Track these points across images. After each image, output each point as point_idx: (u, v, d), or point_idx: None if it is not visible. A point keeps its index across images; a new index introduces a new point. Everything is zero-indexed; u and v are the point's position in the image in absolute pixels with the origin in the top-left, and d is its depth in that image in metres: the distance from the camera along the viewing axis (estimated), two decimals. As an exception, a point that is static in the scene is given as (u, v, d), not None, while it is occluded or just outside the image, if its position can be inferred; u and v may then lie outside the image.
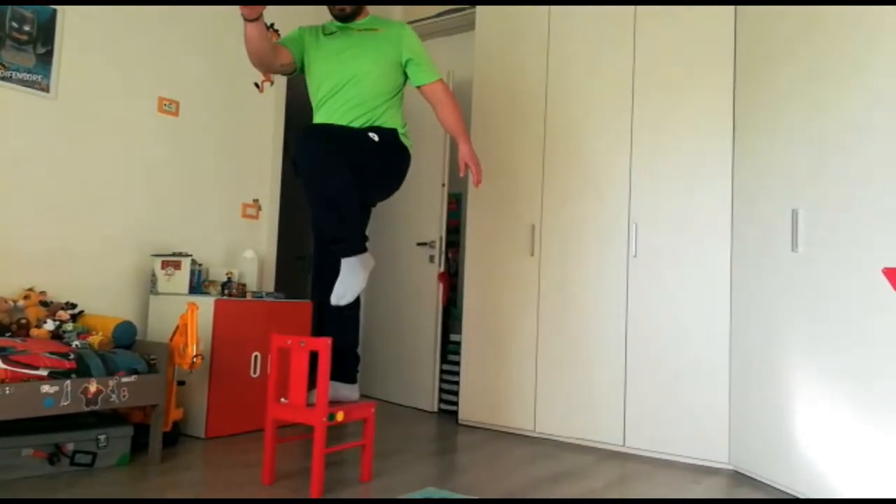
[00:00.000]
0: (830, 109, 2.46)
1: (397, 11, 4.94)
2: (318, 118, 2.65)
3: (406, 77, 2.74)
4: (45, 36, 2.99)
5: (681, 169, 3.15)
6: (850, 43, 2.40)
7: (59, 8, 3.03)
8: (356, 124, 2.57)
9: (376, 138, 2.56)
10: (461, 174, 2.68)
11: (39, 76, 2.98)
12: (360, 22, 2.72)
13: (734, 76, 3.03)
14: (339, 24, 2.71)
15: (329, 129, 2.54)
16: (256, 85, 4.00)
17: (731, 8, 3.06)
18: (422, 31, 4.68)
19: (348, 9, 2.67)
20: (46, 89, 3.00)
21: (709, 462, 2.98)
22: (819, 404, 2.43)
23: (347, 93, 2.59)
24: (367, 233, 2.64)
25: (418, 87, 2.73)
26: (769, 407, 2.67)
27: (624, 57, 3.35)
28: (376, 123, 2.60)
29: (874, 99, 2.29)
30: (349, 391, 2.65)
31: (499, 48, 3.81)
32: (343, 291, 2.44)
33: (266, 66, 2.71)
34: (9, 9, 2.87)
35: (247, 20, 2.40)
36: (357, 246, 2.48)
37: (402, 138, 2.67)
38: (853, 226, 2.34)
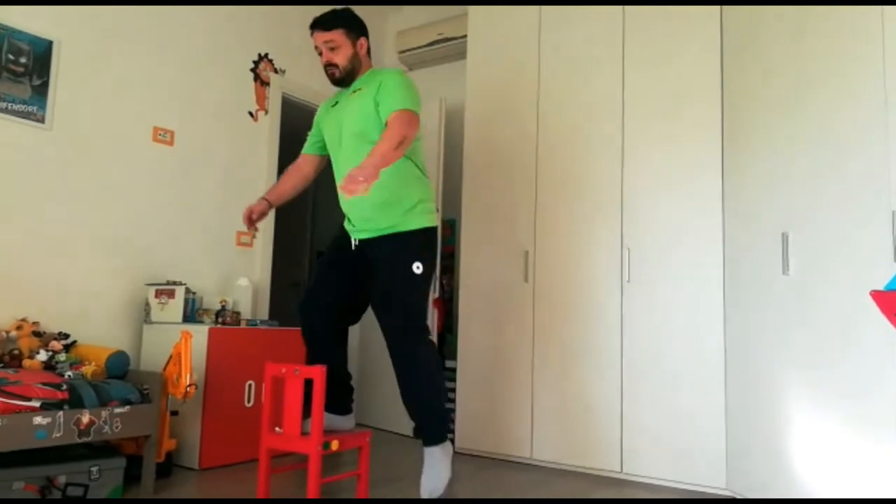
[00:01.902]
0: (818, 134, 2.50)
1: (390, 14, 5.02)
2: (339, 196, 2.56)
3: None
4: (40, 67, 3.02)
5: (672, 194, 3.18)
6: (839, 68, 2.45)
7: (54, 40, 3.06)
8: (373, 214, 2.49)
9: (418, 271, 2.48)
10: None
11: (35, 107, 3.00)
12: (355, 83, 2.61)
13: (722, 102, 3.08)
14: (341, 90, 2.66)
15: None
16: (251, 114, 4.04)
17: (717, 32, 3.12)
18: (414, 60, 4.76)
19: (337, 73, 2.58)
20: (42, 120, 3.02)
21: (706, 487, 2.96)
22: (815, 427, 2.43)
23: (347, 166, 2.50)
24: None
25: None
26: (766, 431, 2.67)
27: (614, 85, 3.40)
28: (396, 225, 2.47)
29: (862, 124, 2.34)
30: (344, 422, 2.66)
31: (490, 76, 3.86)
32: (433, 486, 2.46)
33: (310, 182, 2.87)
34: (5, 41, 2.90)
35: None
36: (442, 430, 2.54)
37: (418, 217, 2.51)
38: (842, 249, 2.36)
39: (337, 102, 2.66)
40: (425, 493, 2.46)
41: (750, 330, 2.80)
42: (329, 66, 2.58)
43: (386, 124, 2.39)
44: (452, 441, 3.64)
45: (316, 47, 2.59)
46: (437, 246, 2.65)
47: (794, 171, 2.60)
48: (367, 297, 2.69)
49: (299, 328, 2.74)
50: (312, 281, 2.71)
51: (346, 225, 2.66)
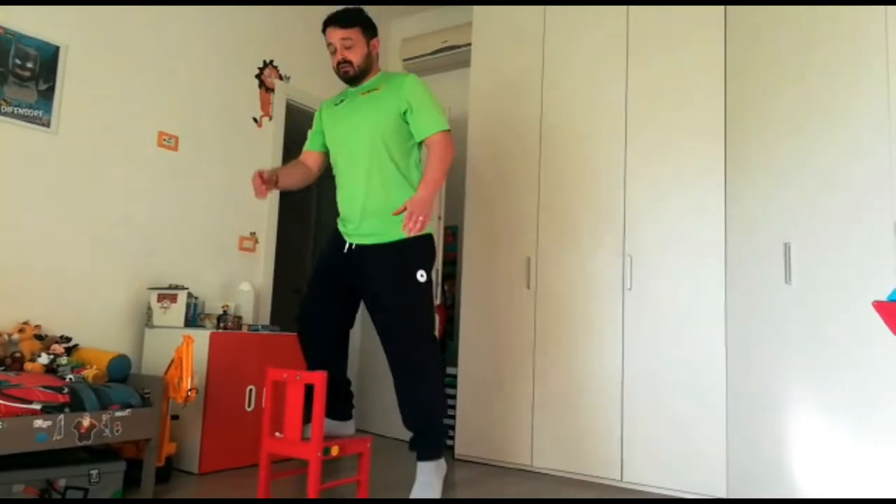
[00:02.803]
0: (820, 145, 2.50)
1: (395, 21, 5.04)
2: (340, 197, 2.58)
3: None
4: (47, 72, 3.04)
5: (675, 201, 3.18)
6: (842, 76, 2.45)
7: (61, 45, 3.08)
8: (381, 220, 2.45)
9: (422, 279, 2.43)
10: (396, 212, 2.40)
11: (41, 112, 3.02)
12: (366, 84, 2.61)
13: (725, 110, 3.08)
14: (348, 90, 2.66)
15: None
16: (255, 120, 4.05)
17: (721, 40, 3.12)
18: (418, 68, 4.78)
19: (351, 71, 2.57)
20: (48, 125, 3.04)
21: (707, 495, 2.95)
22: (817, 435, 2.42)
23: (357, 169, 2.50)
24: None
25: (421, 141, 2.52)
26: (766, 439, 2.66)
27: (617, 92, 3.41)
28: (397, 228, 2.40)
29: (865, 134, 2.34)
30: (344, 428, 2.65)
31: (493, 84, 3.88)
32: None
33: (314, 179, 2.78)
34: (12, 46, 2.92)
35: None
36: (438, 446, 2.49)
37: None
38: (844, 259, 2.36)
39: (343, 101, 2.64)
40: (419, 496, 2.42)
41: (751, 339, 2.79)
42: (343, 64, 2.56)
43: (427, 145, 2.47)
44: (452, 448, 3.63)
45: (329, 44, 2.57)
46: (435, 253, 2.62)
47: (796, 181, 2.60)
48: (358, 299, 2.64)
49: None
50: (307, 292, 2.66)
51: (341, 227, 2.61)
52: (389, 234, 2.47)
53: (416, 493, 2.43)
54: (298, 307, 2.69)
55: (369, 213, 2.48)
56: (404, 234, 2.39)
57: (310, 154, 2.77)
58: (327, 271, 2.62)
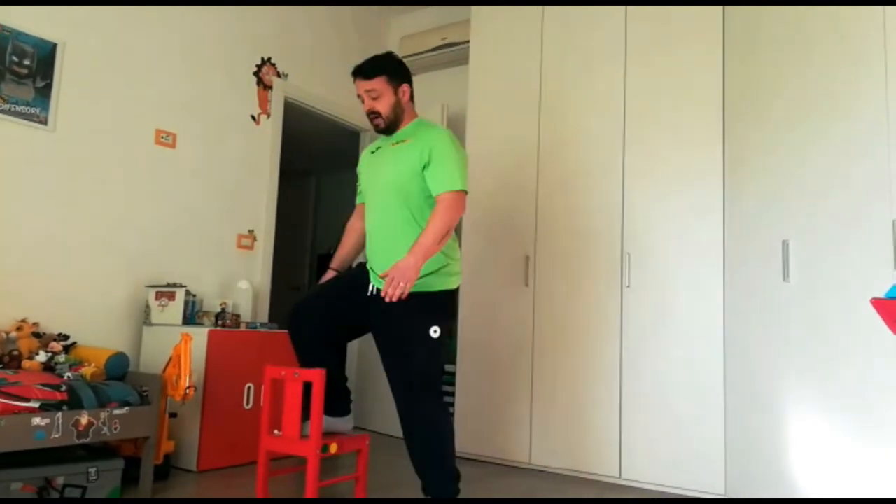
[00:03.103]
0: (819, 141, 2.51)
1: (393, 18, 5.04)
2: (366, 244, 2.55)
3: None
4: (44, 70, 3.03)
5: (673, 199, 3.18)
6: (841, 75, 2.45)
7: (59, 42, 3.07)
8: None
9: (435, 335, 2.35)
10: (382, 275, 2.29)
11: (38, 109, 3.01)
12: (399, 133, 2.52)
13: (723, 109, 3.09)
14: (383, 138, 2.58)
15: None
16: (253, 117, 4.05)
17: (720, 38, 3.12)
18: (417, 65, 4.77)
19: (381, 122, 2.49)
20: (45, 122, 3.03)
21: (705, 493, 2.95)
22: (815, 433, 2.42)
23: (379, 218, 2.46)
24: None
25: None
26: (765, 436, 2.66)
27: (616, 90, 3.41)
28: (418, 280, 2.30)
29: (863, 132, 2.34)
30: (343, 424, 2.64)
31: (492, 81, 3.87)
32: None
33: None
34: (9, 43, 2.91)
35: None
36: (452, 490, 2.41)
37: (442, 279, 2.39)
38: (842, 257, 2.37)
39: (379, 148, 2.58)
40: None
41: (749, 336, 2.79)
42: (371, 115, 2.49)
43: (436, 201, 2.36)
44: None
45: (358, 95, 2.52)
46: (455, 308, 2.48)
47: (794, 179, 2.60)
48: (360, 332, 2.60)
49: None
50: (316, 292, 2.58)
51: (369, 265, 2.54)
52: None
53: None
54: (295, 305, 2.61)
55: (388, 264, 2.37)
56: (425, 288, 2.34)
57: (360, 208, 2.73)
58: (341, 288, 2.55)
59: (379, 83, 2.44)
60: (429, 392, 2.36)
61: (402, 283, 2.19)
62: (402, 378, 2.35)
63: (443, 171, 2.36)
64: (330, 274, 2.68)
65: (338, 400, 2.65)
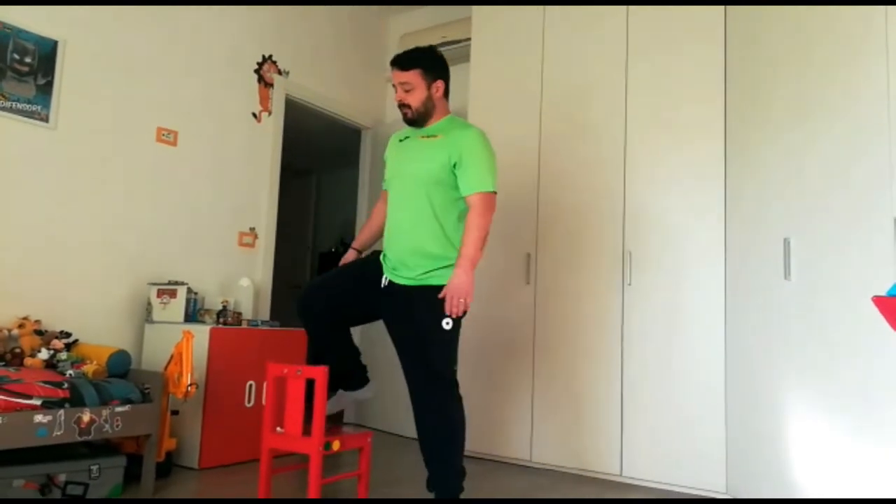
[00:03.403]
0: (820, 141, 2.50)
1: (393, 17, 5.03)
2: (385, 233, 2.55)
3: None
4: (45, 67, 3.03)
5: (675, 197, 3.18)
6: (842, 73, 2.45)
7: (60, 40, 3.07)
8: (411, 261, 2.40)
9: (448, 327, 2.37)
10: (440, 295, 2.34)
11: (39, 106, 3.01)
12: (429, 128, 2.52)
13: (725, 107, 3.08)
14: (412, 129, 2.57)
15: None
16: (254, 115, 4.04)
17: (721, 36, 3.12)
18: (417, 63, 4.76)
19: (410, 113, 2.49)
20: (46, 119, 3.03)
21: (706, 491, 2.96)
22: (816, 432, 2.43)
23: (401, 208, 2.48)
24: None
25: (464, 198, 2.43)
26: (766, 435, 2.66)
27: (617, 88, 3.41)
28: (430, 279, 2.37)
29: (864, 130, 2.34)
30: (364, 393, 2.67)
31: (493, 79, 3.87)
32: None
33: None
34: (10, 40, 2.91)
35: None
36: (457, 486, 2.47)
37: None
38: (844, 255, 2.36)
39: (407, 138, 2.58)
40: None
41: (751, 334, 2.79)
42: (402, 106, 2.49)
43: (468, 204, 2.40)
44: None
45: (393, 84, 2.52)
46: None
47: (796, 177, 2.60)
48: (369, 320, 2.63)
49: (300, 329, 2.68)
50: (328, 274, 2.59)
51: (383, 260, 2.54)
52: (421, 280, 2.40)
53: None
54: (308, 285, 2.59)
55: (406, 256, 2.41)
56: (438, 281, 2.37)
57: (385, 194, 2.72)
58: (359, 281, 2.54)
59: (413, 76, 2.44)
60: (441, 382, 2.38)
61: (461, 299, 2.28)
62: (416, 368, 2.39)
63: (474, 172, 2.38)
64: (351, 254, 2.71)
65: (355, 375, 2.66)
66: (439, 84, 2.50)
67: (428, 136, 2.49)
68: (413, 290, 2.40)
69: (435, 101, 2.50)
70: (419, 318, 2.37)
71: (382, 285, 2.48)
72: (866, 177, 2.31)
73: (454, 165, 2.40)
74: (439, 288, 2.36)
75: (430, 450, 2.41)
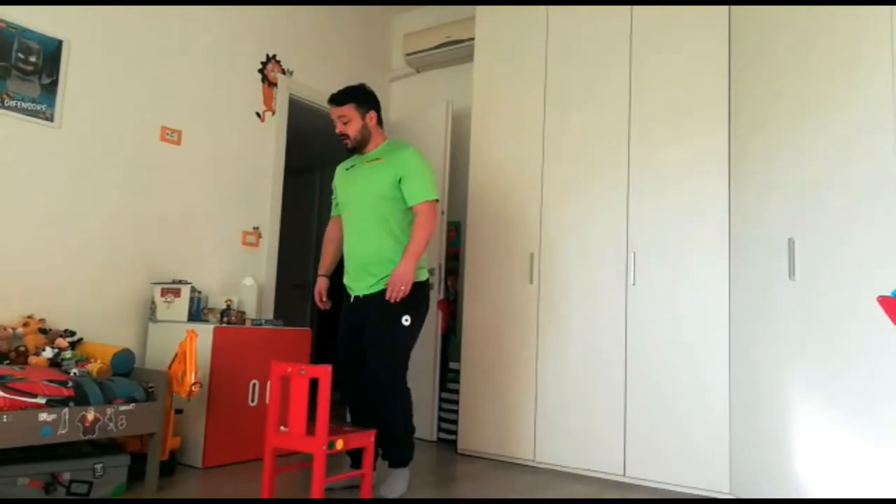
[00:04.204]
0: (824, 141, 2.50)
1: (397, 16, 5.03)
2: (345, 253, 2.90)
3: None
4: (50, 66, 3.03)
5: (679, 197, 3.18)
6: (847, 72, 2.45)
7: (64, 39, 3.08)
8: (373, 267, 2.77)
9: (407, 323, 2.74)
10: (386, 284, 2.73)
11: (44, 106, 3.01)
12: (371, 153, 2.90)
13: (729, 106, 3.08)
14: (357, 156, 2.94)
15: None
16: (258, 114, 4.05)
17: (725, 35, 3.11)
18: (421, 63, 4.77)
19: (349, 143, 2.87)
20: (50, 119, 3.03)
21: (709, 492, 2.95)
22: (820, 432, 2.42)
23: (358, 226, 2.82)
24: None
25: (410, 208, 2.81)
26: (770, 435, 2.66)
27: (621, 88, 3.40)
28: (386, 275, 2.73)
29: (869, 129, 2.33)
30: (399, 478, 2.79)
31: (497, 79, 3.87)
32: (392, 490, 2.71)
33: None
34: (15, 40, 2.92)
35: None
36: (408, 458, 2.81)
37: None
38: (848, 254, 2.36)
39: (353, 166, 2.95)
40: (385, 492, 2.70)
41: (755, 334, 2.79)
42: (342, 136, 2.86)
43: (414, 212, 2.79)
44: (454, 443, 3.64)
45: (332, 119, 2.88)
46: (428, 298, 2.86)
47: (800, 176, 2.59)
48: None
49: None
50: (338, 357, 2.89)
51: (346, 282, 2.89)
52: (380, 284, 2.76)
53: (387, 484, 2.73)
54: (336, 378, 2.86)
55: (369, 265, 2.78)
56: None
57: (337, 220, 3.11)
58: (349, 332, 2.87)
59: (348, 110, 2.84)
60: (395, 367, 2.73)
61: (401, 287, 2.66)
62: (374, 355, 2.71)
63: (417, 185, 2.77)
64: (322, 281, 3.07)
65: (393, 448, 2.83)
66: (372, 114, 2.89)
67: (371, 161, 2.87)
68: (376, 295, 2.76)
69: (370, 129, 2.88)
70: (385, 316, 2.71)
71: (353, 301, 2.85)
72: (871, 176, 2.31)
73: (399, 181, 2.78)
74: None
75: (390, 434, 2.75)
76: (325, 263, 3.11)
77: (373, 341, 2.74)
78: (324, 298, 3.07)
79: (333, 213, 3.13)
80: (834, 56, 2.49)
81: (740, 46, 3.03)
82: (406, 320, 2.73)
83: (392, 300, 2.66)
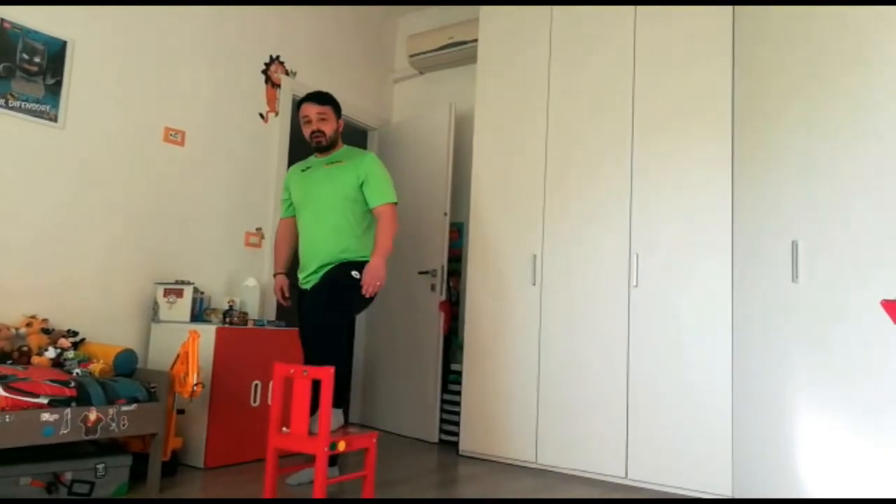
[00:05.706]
0: (829, 142, 2.49)
1: (401, 18, 5.04)
2: (302, 248, 3.04)
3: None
4: (54, 67, 3.04)
5: (682, 199, 3.17)
6: (852, 74, 2.44)
7: (68, 40, 3.08)
8: (330, 255, 2.90)
9: (356, 276, 2.86)
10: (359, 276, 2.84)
11: (48, 106, 3.02)
12: (332, 156, 3.07)
13: (733, 109, 3.07)
14: (314, 159, 3.10)
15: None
16: (261, 115, 4.05)
17: (729, 36, 3.11)
18: (424, 64, 4.77)
19: (324, 141, 3.02)
20: (55, 119, 3.04)
21: (711, 494, 2.94)
22: (822, 435, 2.41)
23: (318, 223, 2.95)
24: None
25: (371, 209, 2.97)
26: (772, 438, 2.65)
27: (625, 90, 3.40)
28: (347, 257, 2.90)
29: (872, 132, 2.33)
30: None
31: (500, 81, 3.87)
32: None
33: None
34: (20, 40, 2.92)
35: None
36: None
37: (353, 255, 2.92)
38: (852, 257, 2.35)
39: (309, 168, 3.10)
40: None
41: (758, 337, 2.78)
42: (316, 134, 3.01)
43: (377, 213, 2.96)
44: (456, 444, 3.64)
45: (304, 117, 3.02)
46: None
47: (804, 179, 2.59)
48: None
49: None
50: (304, 347, 2.93)
51: (300, 275, 3.03)
52: (337, 260, 2.92)
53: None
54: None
55: (327, 259, 2.91)
56: (348, 257, 2.91)
57: (288, 222, 3.25)
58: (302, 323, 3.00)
59: (328, 110, 3.03)
60: (329, 310, 2.80)
61: (377, 283, 2.81)
62: (313, 331, 2.81)
63: (378, 188, 2.96)
64: (280, 278, 3.23)
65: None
66: (341, 122, 3.11)
67: (332, 163, 3.04)
68: (323, 275, 2.90)
69: (338, 135, 3.10)
70: (333, 277, 2.85)
71: (309, 295, 2.94)
72: (875, 178, 2.30)
73: (361, 184, 2.96)
74: (352, 262, 2.88)
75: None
76: (281, 262, 3.26)
77: (314, 323, 2.82)
78: (286, 295, 3.20)
79: (284, 214, 3.26)
80: (840, 58, 2.49)
81: (744, 47, 3.02)
82: (355, 274, 2.83)
83: (368, 295, 2.80)
